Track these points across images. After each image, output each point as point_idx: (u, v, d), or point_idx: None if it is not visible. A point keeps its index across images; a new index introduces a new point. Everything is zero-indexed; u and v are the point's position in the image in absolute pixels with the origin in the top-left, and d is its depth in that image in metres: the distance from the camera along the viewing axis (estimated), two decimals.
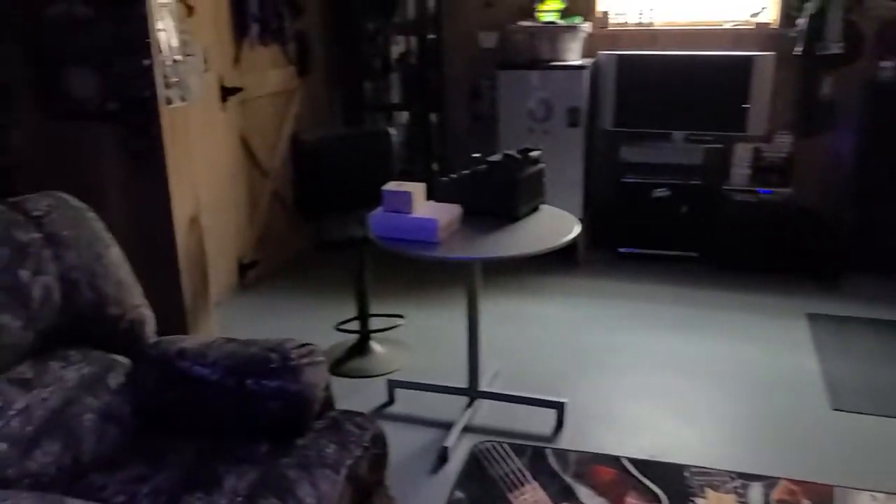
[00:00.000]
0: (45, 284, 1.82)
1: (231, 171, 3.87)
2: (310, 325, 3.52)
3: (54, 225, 1.90)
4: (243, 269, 4.02)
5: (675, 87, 4.16)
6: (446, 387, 2.85)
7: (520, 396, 2.79)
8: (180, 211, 2.85)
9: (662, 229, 4.26)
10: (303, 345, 1.95)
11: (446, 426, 2.70)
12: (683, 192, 4.17)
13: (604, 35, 4.41)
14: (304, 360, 1.89)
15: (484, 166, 2.62)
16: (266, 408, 1.85)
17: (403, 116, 4.82)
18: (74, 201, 2.04)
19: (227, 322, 3.41)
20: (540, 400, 2.77)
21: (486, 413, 2.81)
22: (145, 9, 2.64)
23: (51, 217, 1.91)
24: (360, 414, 1.94)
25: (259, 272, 4.13)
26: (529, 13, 4.30)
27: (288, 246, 4.39)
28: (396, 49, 4.71)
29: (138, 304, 2.05)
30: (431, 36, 4.59)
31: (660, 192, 4.18)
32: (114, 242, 2.05)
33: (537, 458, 2.53)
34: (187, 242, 2.92)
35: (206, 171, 3.52)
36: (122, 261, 2.05)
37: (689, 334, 3.45)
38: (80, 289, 1.90)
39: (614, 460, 2.50)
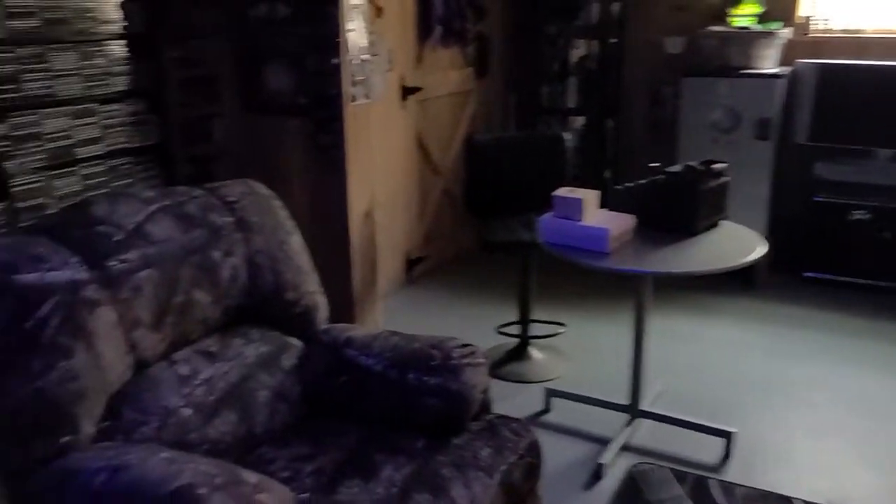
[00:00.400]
0: (233, 265, 1.95)
1: (405, 169, 3.98)
2: (471, 325, 3.54)
3: (245, 211, 2.04)
4: (410, 264, 4.12)
5: (885, 101, 3.77)
6: (606, 402, 2.76)
7: (685, 420, 2.65)
8: (356, 205, 2.97)
9: (858, 255, 3.89)
10: (465, 345, 1.95)
11: (603, 442, 2.61)
12: (886, 216, 3.77)
13: (804, 42, 4.09)
14: (466, 361, 1.90)
15: (663, 176, 2.51)
16: (425, 403, 1.87)
17: (578, 121, 4.74)
18: (264, 189, 2.17)
19: (391, 315, 3.51)
20: (707, 427, 2.61)
21: (647, 433, 2.69)
22: (338, 10, 2.77)
23: (243, 203, 2.05)
24: (517, 420, 1.92)
25: (425, 268, 4.22)
26: (721, 18, 4.07)
27: (454, 244, 4.46)
28: (576, 53, 4.64)
29: (313, 290, 2.15)
30: (613, 40, 4.48)
31: (858, 215, 3.81)
32: (296, 230, 2.16)
33: (699, 487, 2.38)
34: (360, 235, 3.03)
35: (382, 167, 3.64)
36: (302, 248, 2.15)
37: (880, 372, 3.11)
38: (263, 272, 2.01)
39: (786, 501, 2.30)
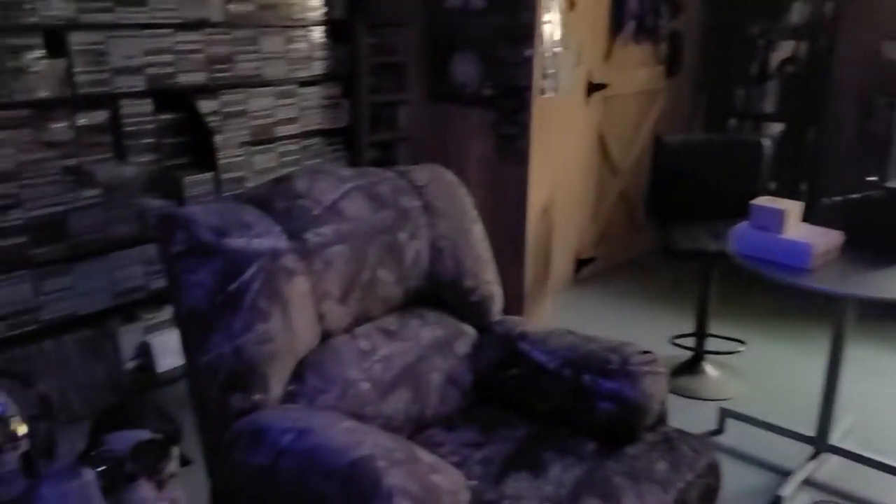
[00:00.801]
0: (417, 248, 1.98)
1: (583, 166, 3.90)
2: (641, 332, 3.41)
3: (432, 196, 2.06)
4: (579, 264, 4.04)
5: None
6: (788, 430, 2.55)
7: (881, 462, 2.39)
8: (535, 198, 2.94)
9: None
10: (645, 352, 1.87)
11: (782, 473, 2.42)
12: None
13: None
14: (646, 368, 1.81)
15: (880, 192, 2.27)
16: (598, 407, 1.81)
17: (774, 128, 4.42)
18: (451, 176, 2.19)
19: (557, 313, 3.45)
20: None
21: (833, 470, 2.46)
22: (536, 1, 2.75)
23: (430, 188, 2.08)
24: (697, 437, 1.81)
25: (594, 270, 4.12)
26: None
27: (626, 247, 4.32)
28: (778, 55, 4.33)
29: (490, 280, 2.14)
30: (822, 42, 4.13)
31: None
32: (478, 220, 2.16)
33: None
34: (536, 230, 3.00)
35: (560, 163, 3.58)
36: (483, 238, 2.15)
37: None
38: (445, 257, 2.03)
39: None
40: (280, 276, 1.70)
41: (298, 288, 1.73)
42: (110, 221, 2.69)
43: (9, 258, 2.44)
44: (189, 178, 2.88)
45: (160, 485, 1.12)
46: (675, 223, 2.99)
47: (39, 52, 2.54)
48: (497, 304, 2.16)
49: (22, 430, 1.19)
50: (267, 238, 1.72)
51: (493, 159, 3.01)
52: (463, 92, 3.26)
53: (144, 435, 1.12)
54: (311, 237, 1.79)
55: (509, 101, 2.92)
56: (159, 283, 2.89)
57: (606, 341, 1.92)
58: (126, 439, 1.10)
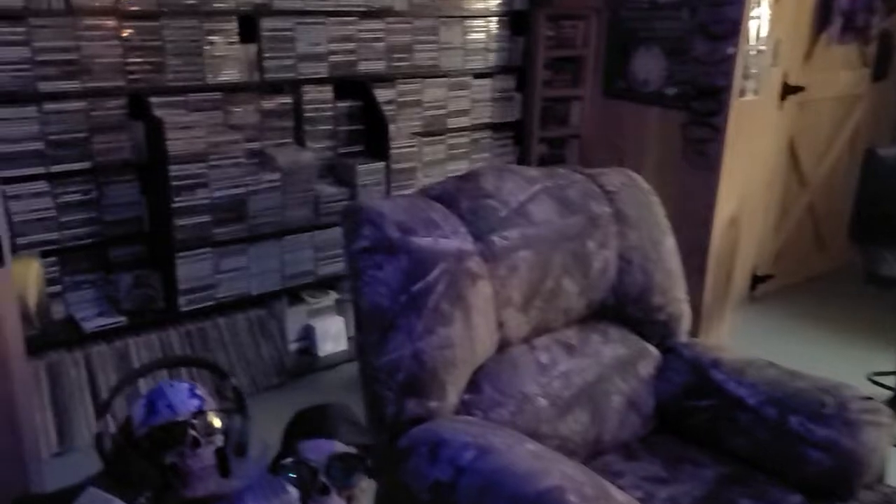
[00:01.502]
0: (605, 258, 1.84)
1: (769, 175, 3.58)
2: (828, 363, 3.07)
3: (624, 203, 1.91)
4: (755, 280, 3.72)
5: None
6: None
7: None
8: (723, 209, 2.71)
9: None
10: (866, 398, 1.63)
11: None
12: None
13: None
14: (867, 417, 1.58)
15: None
16: (808, 455, 1.60)
17: None
18: (643, 183, 2.02)
19: (734, 333, 3.19)
20: None
21: None
22: None
23: (622, 194, 1.93)
24: None
25: (770, 288, 3.79)
26: None
27: (808, 266, 3.95)
28: None
29: (680, 298, 1.97)
30: None
31: None
32: (670, 232, 1.99)
33: None
34: (720, 243, 2.77)
35: (750, 171, 3.30)
36: (674, 251, 1.98)
37: None
38: (633, 270, 1.88)
39: None
40: (464, 278, 1.61)
41: (482, 292, 1.64)
42: (286, 205, 2.73)
43: (194, 236, 2.52)
44: (362, 167, 2.88)
45: (349, 500, 1.06)
46: (884, 247, 2.66)
47: (233, 37, 2.60)
48: (685, 324, 1.98)
49: (217, 424, 1.17)
50: (453, 238, 1.65)
51: (676, 163, 2.80)
52: (643, 90, 3.05)
53: (339, 447, 1.06)
54: (497, 240, 1.69)
55: (703, 102, 2.70)
56: (326, 269, 2.92)
57: (818, 380, 1.70)
58: (321, 449, 1.05)
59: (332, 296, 3.02)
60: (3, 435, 1.50)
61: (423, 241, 1.61)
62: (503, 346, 1.73)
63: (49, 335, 2.37)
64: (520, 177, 1.84)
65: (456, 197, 1.74)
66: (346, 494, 1.07)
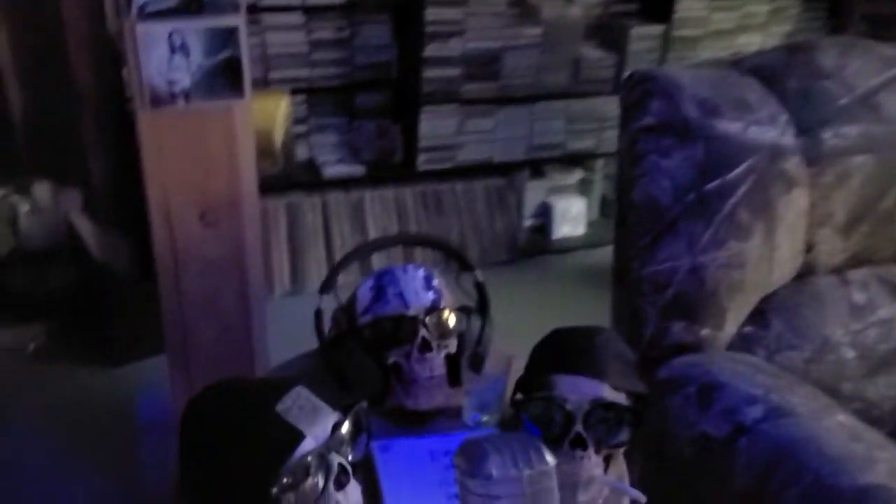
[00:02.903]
0: None
1: None
2: None
3: None
4: None
5: None
6: None
7: None
8: None
9: None
10: None
11: None
12: None
13: None
14: None
15: None
16: None
17: None
18: None
19: None
20: None
21: None
22: None
23: None
24: None
25: None
26: None
27: None
28: None
29: None
30: None
31: None
32: None
33: None
34: None
35: None
36: None
37: None
38: None
39: None
40: (777, 183, 1.24)
41: (795, 203, 1.26)
42: (543, 67, 2.42)
43: (441, 90, 2.32)
44: (636, 30, 2.47)
45: (608, 459, 0.82)
46: None
47: None
48: None
49: (453, 326, 0.96)
50: (769, 128, 1.26)
51: None
52: None
53: (607, 392, 0.80)
54: (829, 137, 1.28)
55: None
56: (576, 143, 2.61)
57: None
58: (581, 390, 0.80)
59: (578, 174, 2.73)
60: (231, 272, 1.43)
61: (729, 126, 1.24)
62: (805, 273, 1.35)
63: (291, 175, 2.33)
64: (874, 55, 1.37)
65: (780, 73, 1.33)
66: (606, 454, 0.82)
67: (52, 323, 2.11)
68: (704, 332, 1.26)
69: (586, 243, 2.69)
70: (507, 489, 0.62)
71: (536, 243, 2.69)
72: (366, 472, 0.87)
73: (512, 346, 1.02)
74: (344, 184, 2.39)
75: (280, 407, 0.73)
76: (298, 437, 0.72)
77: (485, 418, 0.96)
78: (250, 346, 1.46)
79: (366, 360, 0.94)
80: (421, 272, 1.00)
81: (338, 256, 2.39)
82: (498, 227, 2.60)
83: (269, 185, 2.34)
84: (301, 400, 0.74)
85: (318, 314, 1.00)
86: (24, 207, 2.11)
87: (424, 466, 0.81)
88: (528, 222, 2.71)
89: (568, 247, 2.70)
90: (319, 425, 0.74)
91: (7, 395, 1.90)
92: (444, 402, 0.96)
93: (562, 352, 0.85)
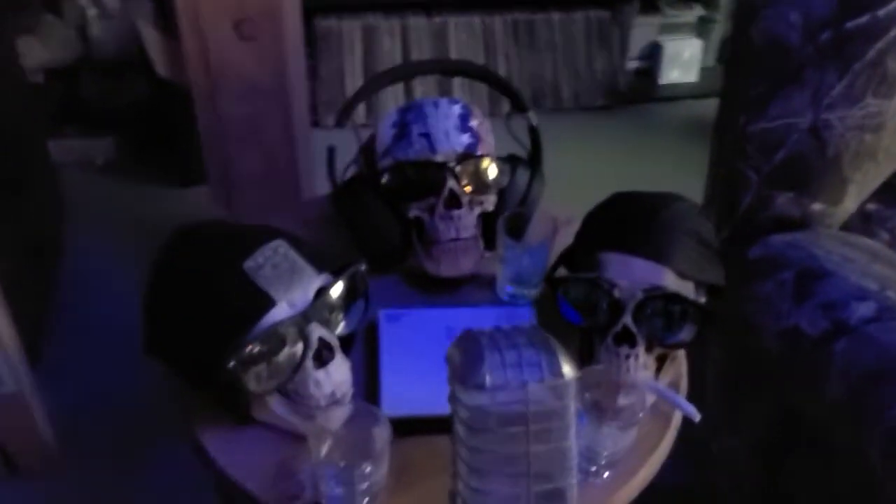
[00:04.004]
0: None
1: None
2: None
3: None
4: None
5: None
6: None
7: None
8: None
9: None
10: None
11: None
12: None
13: None
14: None
15: None
16: None
17: None
18: None
19: None
20: None
21: None
22: None
23: None
24: None
25: None
26: None
27: None
28: None
29: None
30: None
31: None
32: None
33: None
34: None
35: None
36: None
37: None
38: None
39: None
40: None
41: None
42: None
43: None
44: None
45: (661, 363, 0.65)
46: None
47: None
48: None
49: (492, 178, 0.78)
50: None
51: None
52: None
53: (669, 279, 0.63)
54: None
55: None
56: None
57: None
58: (636, 274, 0.62)
59: (696, 11, 2.37)
60: (274, 96, 1.28)
61: None
62: None
63: None
64: None
65: None
66: (659, 353, 0.66)
67: (122, 137, 2.06)
68: (816, 205, 1.04)
69: (698, 92, 2.39)
70: (502, 403, 0.48)
71: (640, 88, 2.41)
72: (369, 345, 0.75)
73: (569, 208, 0.84)
74: (426, 7, 2.15)
75: (249, 264, 0.60)
76: (267, 302, 0.59)
77: (523, 292, 0.80)
78: (296, 182, 1.34)
79: (383, 211, 0.79)
80: (456, 108, 0.81)
81: (417, 88, 2.20)
82: (597, 68, 2.32)
83: (344, 4, 2.13)
84: (277, 257, 0.61)
85: (331, 152, 0.84)
86: (91, 11, 2.01)
87: (437, 343, 0.67)
88: (632, 64, 2.41)
89: (676, 95, 2.41)
90: (297, 289, 0.61)
91: (76, 207, 1.89)
92: (472, 270, 0.80)
93: (618, 224, 0.67)
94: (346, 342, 0.68)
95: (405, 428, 0.63)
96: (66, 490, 1.26)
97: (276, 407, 0.63)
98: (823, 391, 0.89)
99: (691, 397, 0.73)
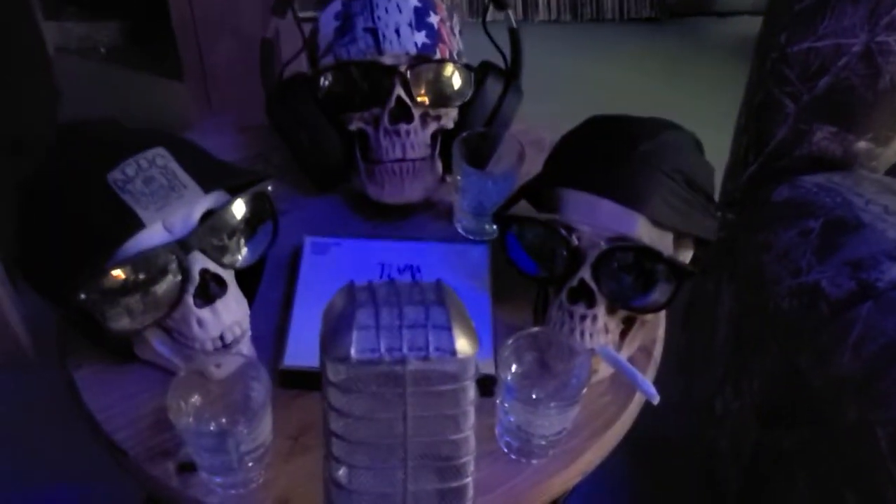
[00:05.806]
0: None
1: None
2: None
3: None
4: None
5: None
6: None
7: None
8: None
9: None
10: None
11: None
12: None
13: None
14: None
15: None
16: None
17: None
18: None
19: None
20: None
21: None
22: None
23: None
24: None
25: None
26: None
27: None
28: None
29: None
30: None
31: None
32: None
33: None
34: None
35: None
36: None
37: None
38: None
39: None
40: None
41: None
42: None
43: None
44: None
45: (627, 329, 0.53)
46: None
47: None
48: None
49: (456, 90, 0.63)
50: None
51: None
52: None
53: (643, 228, 0.49)
54: None
55: None
56: None
57: None
58: (600, 218, 0.49)
59: None
60: None
61: None
62: None
63: None
64: None
65: None
66: (623, 316, 0.53)
67: (126, 24, 1.94)
68: (861, 144, 0.89)
69: (755, 8, 2.15)
70: (371, 383, 0.37)
71: (691, 1, 2.18)
72: (291, 279, 0.64)
73: (547, 128, 0.70)
74: None
75: (115, 176, 0.49)
76: (132, 223, 0.48)
77: (482, 226, 0.68)
78: None
79: (321, 120, 0.67)
80: (413, 0, 0.67)
81: None
82: None
83: None
84: (153, 169, 0.50)
85: (266, 46, 0.70)
86: None
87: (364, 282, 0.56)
88: None
89: (731, 9, 2.17)
90: (177, 210, 0.50)
91: (78, 93, 1.80)
92: (422, 197, 0.68)
93: (586, 156, 0.53)
94: (253, 275, 0.58)
95: (308, 382, 0.53)
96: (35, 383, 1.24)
97: (158, 345, 0.54)
98: (833, 361, 0.76)
99: (686, 358, 0.61)
